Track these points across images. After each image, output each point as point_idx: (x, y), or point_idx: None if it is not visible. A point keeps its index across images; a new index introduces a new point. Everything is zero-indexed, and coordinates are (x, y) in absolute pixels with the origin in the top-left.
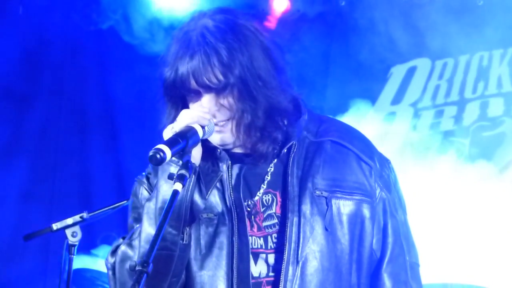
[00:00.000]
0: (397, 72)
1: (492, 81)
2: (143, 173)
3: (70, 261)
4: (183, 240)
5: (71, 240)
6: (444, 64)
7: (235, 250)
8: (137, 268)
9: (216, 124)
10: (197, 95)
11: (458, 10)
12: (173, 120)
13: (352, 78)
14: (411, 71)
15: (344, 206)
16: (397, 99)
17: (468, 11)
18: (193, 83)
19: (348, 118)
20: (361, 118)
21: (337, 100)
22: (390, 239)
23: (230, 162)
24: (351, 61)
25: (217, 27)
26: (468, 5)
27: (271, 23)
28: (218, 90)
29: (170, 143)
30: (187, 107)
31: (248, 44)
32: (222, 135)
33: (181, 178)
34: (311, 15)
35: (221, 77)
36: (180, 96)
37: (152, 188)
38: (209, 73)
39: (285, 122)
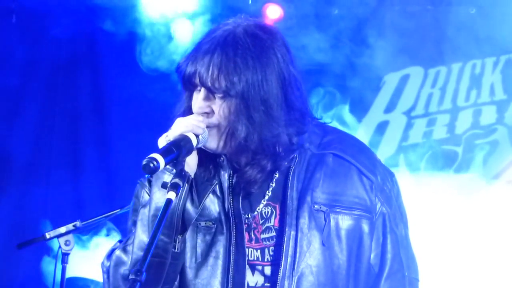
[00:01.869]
0: (390, 81)
1: (484, 89)
2: (146, 176)
3: (63, 270)
4: (175, 248)
5: (64, 248)
6: (437, 72)
7: (231, 260)
8: (130, 276)
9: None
10: (199, 90)
11: (450, 18)
12: (184, 110)
13: (345, 86)
14: (404, 79)
15: (343, 221)
16: (390, 108)
17: (461, 19)
18: (197, 79)
19: (340, 127)
20: (354, 127)
21: (329, 108)
22: (389, 255)
23: (231, 171)
24: (344, 69)
25: (243, 38)
26: (461, 13)
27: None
28: (217, 94)
29: (164, 152)
30: None
31: (267, 67)
32: (208, 144)
33: (174, 187)
34: (303, 23)
35: (223, 84)
36: (192, 87)
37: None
38: (213, 81)
39: (281, 150)
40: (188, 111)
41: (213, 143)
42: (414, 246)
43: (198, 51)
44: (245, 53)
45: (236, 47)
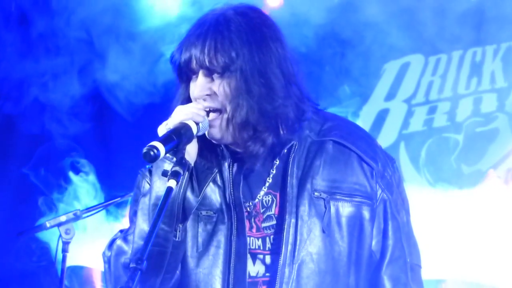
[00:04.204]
0: (391, 68)
1: (485, 76)
2: (147, 166)
3: (64, 258)
4: (176, 237)
5: (65, 237)
6: (437, 60)
7: (232, 249)
8: (131, 265)
9: (206, 111)
10: (197, 76)
11: (451, 6)
12: (183, 99)
13: (346, 75)
14: (405, 67)
15: (343, 208)
16: (390, 95)
17: (461, 7)
18: (193, 64)
19: (341, 115)
20: (354, 114)
21: (330, 96)
22: (390, 241)
23: (231, 160)
24: (345, 57)
25: (234, 19)
26: (461, 0)
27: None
28: (216, 74)
29: (164, 140)
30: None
31: (262, 42)
32: (211, 129)
33: (175, 175)
34: (303, 12)
35: (220, 61)
36: (186, 76)
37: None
38: (210, 58)
39: (283, 128)
40: (186, 103)
41: (218, 132)
42: (416, 234)
43: (191, 37)
44: (239, 30)
45: (229, 25)
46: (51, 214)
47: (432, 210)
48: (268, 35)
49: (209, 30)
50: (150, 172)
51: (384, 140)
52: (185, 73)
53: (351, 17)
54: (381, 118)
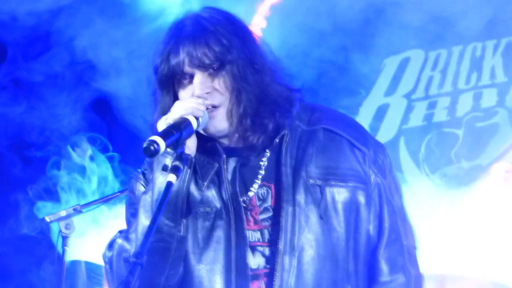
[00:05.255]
0: (391, 64)
1: (485, 72)
2: (139, 170)
3: (63, 253)
4: (180, 232)
5: (65, 232)
6: (437, 55)
7: (232, 244)
8: (131, 259)
9: (207, 108)
10: (190, 79)
11: (451, 1)
12: (167, 110)
13: (346, 70)
14: (405, 62)
15: (339, 194)
16: (390, 91)
17: (461, 2)
18: (186, 66)
19: (342, 110)
20: (354, 110)
21: (331, 92)
22: (386, 224)
23: (225, 156)
24: (344, 52)
25: (211, 16)
26: None
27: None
28: (212, 71)
29: (164, 134)
30: (177, 97)
31: (243, 33)
32: (214, 121)
33: (175, 170)
34: (303, 6)
35: (216, 55)
36: (173, 84)
37: (148, 183)
38: (205, 52)
39: (276, 113)
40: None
41: (220, 124)
42: (416, 229)
43: (176, 42)
44: (220, 25)
45: (212, 22)
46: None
47: (432, 204)
48: (246, 28)
49: (195, 30)
50: (144, 174)
51: (384, 135)
52: (174, 79)
53: (352, 13)
54: (381, 113)
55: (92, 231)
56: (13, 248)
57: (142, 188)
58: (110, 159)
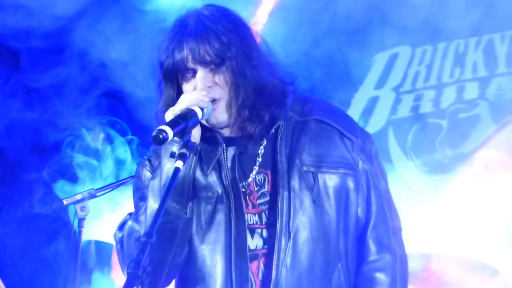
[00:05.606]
0: (380, 59)
1: (467, 66)
2: (145, 157)
3: (80, 234)
4: (186, 214)
5: (80, 214)
6: (423, 51)
7: (232, 226)
8: (142, 239)
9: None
10: (193, 74)
11: (436, 1)
12: (171, 101)
13: (339, 65)
14: (393, 58)
15: (330, 180)
16: (380, 84)
17: (447, 1)
18: (190, 61)
19: (335, 102)
20: (347, 102)
21: (324, 85)
22: (373, 207)
23: (225, 144)
24: (337, 48)
25: (212, 14)
26: None
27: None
28: (214, 67)
29: (172, 124)
30: (181, 89)
31: (241, 30)
32: (215, 113)
33: (182, 157)
34: (299, 6)
35: (217, 52)
36: (176, 78)
37: (153, 169)
38: (207, 50)
39: (272, 105)
40: (173, 103)
41: (221, 116)
42: (403, 212)
43: (180, 38)
44: (221, 23)
45: (213, 20)
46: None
47: (418, 189)
48: (244, 25)
49: (197, 28)
50: (150, 161)
51: (374, 125)
52: (178, 73)
53: (345, 12)
54: (371, 105)
55: (108, 212)
56: (28, 226)
57: (148, 174)
58: (129, 143)
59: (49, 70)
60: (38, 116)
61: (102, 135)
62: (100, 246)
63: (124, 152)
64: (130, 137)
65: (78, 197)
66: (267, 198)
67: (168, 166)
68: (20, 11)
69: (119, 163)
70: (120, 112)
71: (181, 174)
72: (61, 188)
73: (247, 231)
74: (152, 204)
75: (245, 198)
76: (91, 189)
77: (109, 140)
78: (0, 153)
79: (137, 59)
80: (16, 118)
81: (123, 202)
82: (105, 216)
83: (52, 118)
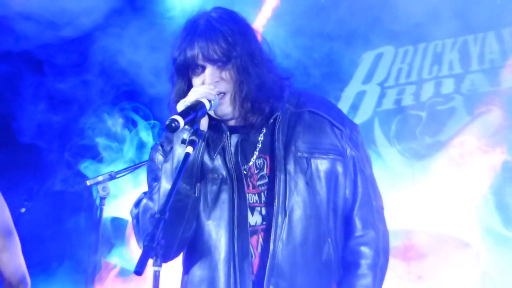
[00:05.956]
0: (367, 58)
1: (444, 64)
2: (157, 142)
3: (101, 211)
4: (195, 194)
5: (102, 193)
6: (405, 51)
7: (235, 204)
8: (156, 215)
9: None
10: (202, 70)
11: (418, 5)
12: (182, 93)
13: (331, 63)
14: (379, 57)
15: (321, 164)
16: (367, 80)
17: (427, 7)
18: (199, 59)
19: (327, 95)
20: (337, 95)
21: (319, 80)
22: (359, 189)
23: (229, 132)
24: (330, 48)
25: (220, 17)
26: (427, 1)
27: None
28: (221, 64)
29: (183, 114)
30: (191, 83)
31: (245, 31)
32: (221, 106)
33: (192, 143)
34: (297, 11)
35: (224, 51)
36: (187, 72)
37: (165, 153)
38: (215, 49)
39: (271, 98)
40: (183, 95)
41: (227, 108)
42: (388, 193)
43: (192, 38)
44: (228, 25)
45: (220, 22)
46: None
47: (400, 172)
48: (248, 26)
49: (207, 29)
50: (162, 146)
51: (362, 116)
52: (189, 68)
53: (337, 17)
54: (359, 98)
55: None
56: (51, 202)
57: (160, 157)
58: (152, 127)
59: (72, 77)
60: (63, 118)
61: (120, 120)
62: (117, 222)
63: (146, 135)
64: (152, 121)
65: (100, 178)
66: (266, 180)
67: (179, 151)
68: (43, 21)
69: (142, 146)
70: (144, 98)
71: (190, 158)
72: (85, 168)
73: (248, 209)
74: (165, 185)
75: (246, 180)
76: (111, 171)
77: (133, 124)
78: (32, 148)
79: (159, 65)
80: (43, 119)
81: (143, 182)
82: (127, 194)
83: (76, 117)
